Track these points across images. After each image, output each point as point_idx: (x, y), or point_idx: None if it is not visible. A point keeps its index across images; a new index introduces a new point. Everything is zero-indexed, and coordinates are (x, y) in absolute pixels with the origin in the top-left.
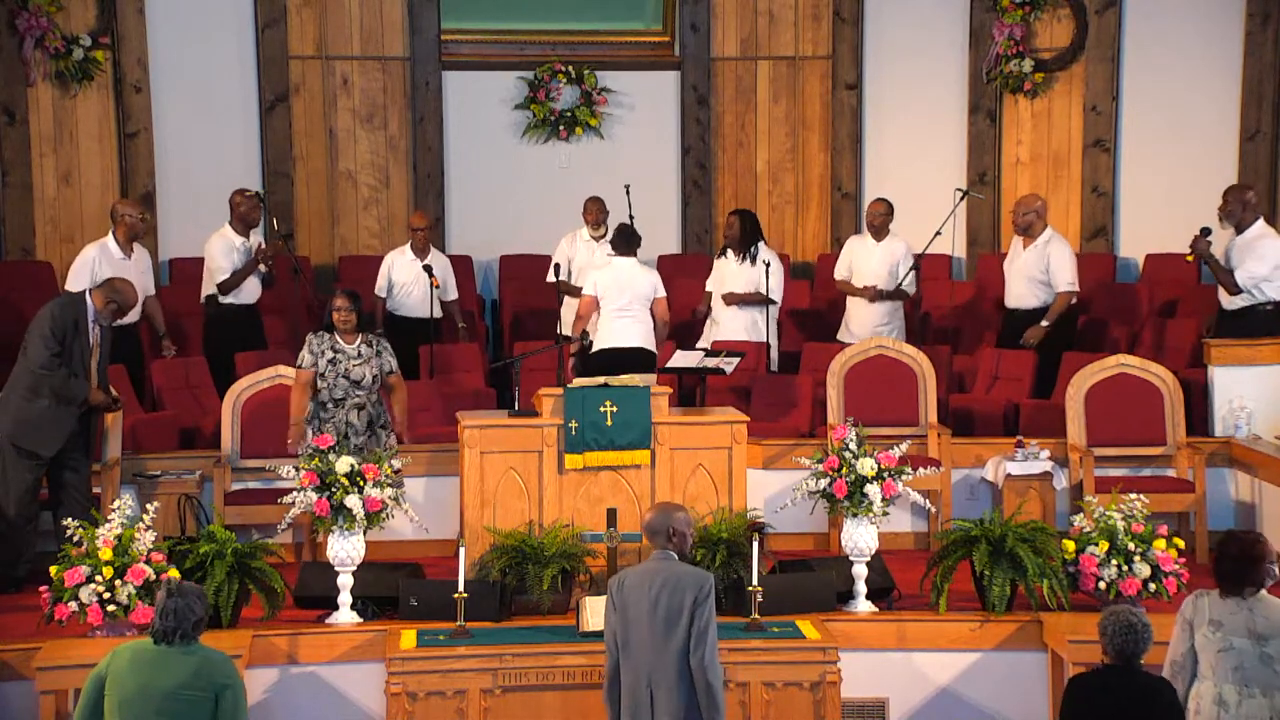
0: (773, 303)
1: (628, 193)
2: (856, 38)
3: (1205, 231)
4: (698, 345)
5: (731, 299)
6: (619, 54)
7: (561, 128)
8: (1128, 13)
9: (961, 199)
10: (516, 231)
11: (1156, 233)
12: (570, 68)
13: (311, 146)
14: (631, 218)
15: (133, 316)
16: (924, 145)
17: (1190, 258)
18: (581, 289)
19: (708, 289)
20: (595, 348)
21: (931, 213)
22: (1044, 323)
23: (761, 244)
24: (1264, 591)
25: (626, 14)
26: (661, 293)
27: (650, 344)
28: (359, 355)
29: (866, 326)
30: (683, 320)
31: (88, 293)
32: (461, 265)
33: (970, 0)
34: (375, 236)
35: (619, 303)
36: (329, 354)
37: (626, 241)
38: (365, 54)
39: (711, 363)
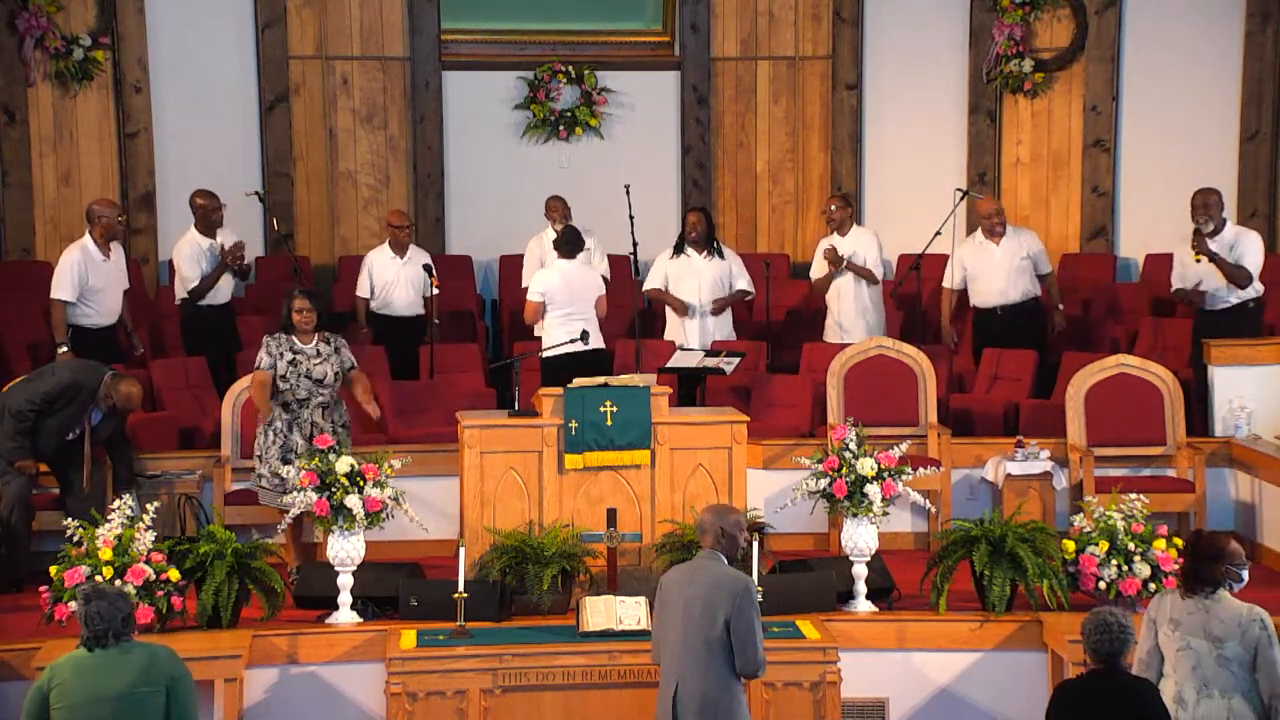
0: (751, 295)
1: (628, 193)
2: (856, 38)
3: (1199, 232)
4: (682, 346)
5: (719, 305)
6: (619, 54)
7: (561, 128)
8: (1128, 13)
9: (961, 199)
10: (516, 231)
11: (1156, 233)
12: (570, 68)
13: (311, 146)
14: (632, 218)
15: (110, 318)
16: (924, 145)
17: (1198, 258)
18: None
19: (651, 287)
20: (549, 353)
21: (931, 213)
22: (1060, 306)
23: (719, 242)
24: (1224, 593)
25: (626, 14)
26: (602, 290)
27: (602, 343)
28: (318, 354)
29: (850, 317)
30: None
31: (109, 374)
32: (461, 265)
33: (970, 0)
34: (375, 236)
35: (572, 308)
36: (288, 355)
37: (571, 244)
38: (365, 54)
39: (711, 363)
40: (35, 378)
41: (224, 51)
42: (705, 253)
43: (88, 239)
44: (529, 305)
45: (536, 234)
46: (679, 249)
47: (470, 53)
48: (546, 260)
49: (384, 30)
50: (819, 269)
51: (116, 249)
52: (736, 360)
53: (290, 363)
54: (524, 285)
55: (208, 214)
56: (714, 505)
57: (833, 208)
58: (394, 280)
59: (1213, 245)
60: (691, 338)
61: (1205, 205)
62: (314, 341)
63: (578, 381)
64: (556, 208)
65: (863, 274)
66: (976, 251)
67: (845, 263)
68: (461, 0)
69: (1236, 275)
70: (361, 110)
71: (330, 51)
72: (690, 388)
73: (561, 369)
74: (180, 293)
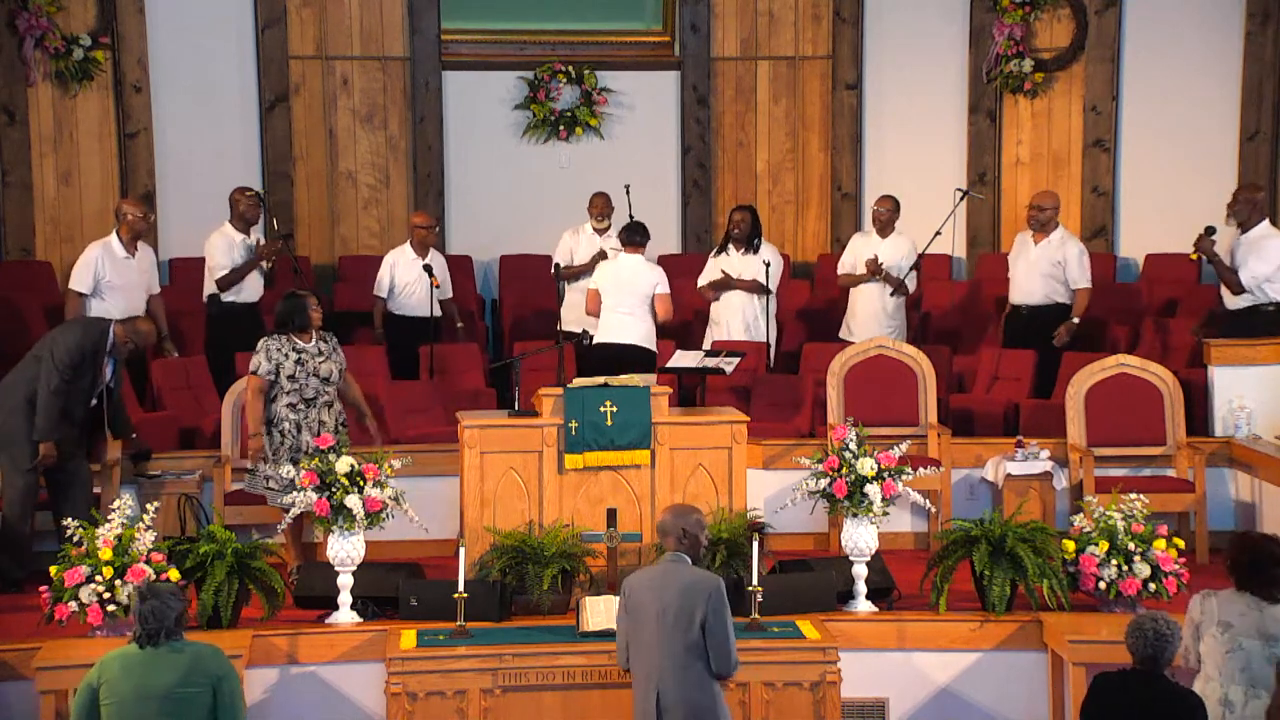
0: (768, 291)
1: (628, 193)
2: (856, 38)
3: (1210, 231)
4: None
5: (722, 284)
6: (619, 54)
7: (561, 128)
8: (1128, 13)
9: (961, 199)
10: (516, 231)
11: (1156, 233)
12: (570, 68)
13: (311, 146)
14: (631, 217)
15: (128, 315)
16: (924, 145)
17: (1194, 256)
18: (587, 273)
19: (703, 285)
20: (594, 341)
21: (931, 213)
22: (1075, 319)
23: (762, 240)
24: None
25: (626, 14)
26: (663, 290)
27: (649, 343)
28: (320, 352)
29: (870, 324)
30: (684, 319)
31: (113, 324)
32: (461, 265)
33: (970, 0)
34: (375, 236)
35: (617, 299)
36: (293, 355)
37: (634, 235)
38: (365, 54)
39: (711, 363)
40: (48, 352)
41: (224, 51)
42: (744, 250)
43: (113, 236)
44: (588, 293)
45: (573, 227)
46: (723, 247)
47: (470, 53)
48: (577, 254)
49: (384, 30)
50: (848, 265)
51: (145, 250)
52: (736, 360)
53: (297, 362)
54: (552, 273)
55: (247, 210)
56: (673, 506)
57: (882, 209)
58: (414, 281)
59: (1239, 240)
60: (734, 328)
61: (1234, 200)
62: (314, 340)
63: (577, 381)
64: (598, 204)
65: (895, 285)
66: (1019, 247)
67: (883, 272)
68: (461, 0)
69: (1228, 280)
70: (361, 110)
71: (330, 51)
72: (690, 388)
73: (602, 362)
74: (209, 287)
